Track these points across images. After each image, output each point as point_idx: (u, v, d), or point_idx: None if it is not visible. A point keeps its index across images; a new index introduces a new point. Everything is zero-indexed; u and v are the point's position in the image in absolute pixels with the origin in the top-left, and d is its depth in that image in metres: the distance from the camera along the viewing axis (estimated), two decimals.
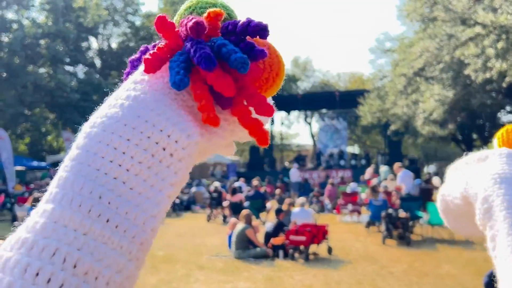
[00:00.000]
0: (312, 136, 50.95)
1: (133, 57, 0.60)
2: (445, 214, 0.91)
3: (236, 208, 14.66)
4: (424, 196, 13.53)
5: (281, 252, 9.63)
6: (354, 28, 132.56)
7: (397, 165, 15.56)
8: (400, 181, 14.72)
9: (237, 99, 0.52)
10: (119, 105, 0.49)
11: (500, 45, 17.40)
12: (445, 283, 7.59)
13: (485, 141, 33.63)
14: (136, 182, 0.45)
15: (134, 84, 0.52)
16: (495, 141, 0.89)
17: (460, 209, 0.83)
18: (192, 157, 0.50)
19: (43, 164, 27.31)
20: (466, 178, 0.79)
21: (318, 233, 9.77)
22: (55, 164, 0.75)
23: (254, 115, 0.53)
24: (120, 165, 0.45)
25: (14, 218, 13.81)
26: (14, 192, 19.48)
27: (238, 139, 0.59)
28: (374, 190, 13.57)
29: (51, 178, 1.37)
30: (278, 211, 11.04)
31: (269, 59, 0.53)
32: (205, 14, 0.52)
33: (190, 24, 0.51)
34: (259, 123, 0.52)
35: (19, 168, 24.09)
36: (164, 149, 0.47)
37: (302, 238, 9.52)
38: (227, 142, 0.58)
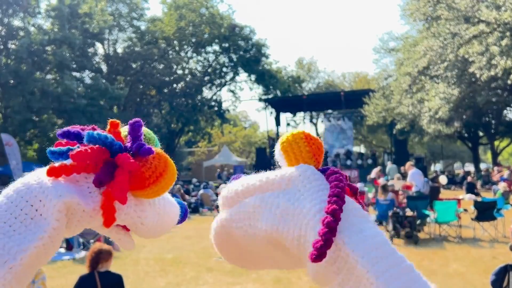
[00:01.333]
0: (318, 136, 50.86)
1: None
2: (224, 244, 0.76)
3: None
4: (431, 195, 13.57)
5: None
6: (358, 28, 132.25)
7: (409, 163, 15.60)
8: (410, 179, 14.71)
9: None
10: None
11: (504, 42, 17.40)
12: (453, 282, 7.62)
13: (492, 138, 33.57)
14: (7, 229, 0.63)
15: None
16: (281, 155, 0.73)
17: (256, 242, 0.71)
18: (59, 212, 0.66)
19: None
20: (273, 212, 0.67)
21: None
22: None
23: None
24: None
25: None
26: None
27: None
28: (385, 189, 13.59)
29: None
30: None
31: (156, 161, 0.69)
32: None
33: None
34: (111, 205, 0.67)
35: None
36: (36, 210, 0.66)
37: None
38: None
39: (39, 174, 0.72)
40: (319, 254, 0.58)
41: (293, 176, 0.68)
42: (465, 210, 11.88)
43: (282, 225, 0.65)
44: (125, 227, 0.72)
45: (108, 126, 0.74)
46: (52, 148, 0.76)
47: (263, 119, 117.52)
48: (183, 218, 0.81)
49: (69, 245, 11.34)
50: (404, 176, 17.42)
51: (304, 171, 0.68)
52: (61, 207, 0.65)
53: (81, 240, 11.05)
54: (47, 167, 0.71)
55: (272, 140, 35.90)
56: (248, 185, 0.72)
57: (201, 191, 21.60)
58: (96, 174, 0.67)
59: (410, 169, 15.01)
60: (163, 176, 0.68)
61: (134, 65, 36.59)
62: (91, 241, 10.98)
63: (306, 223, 0.62)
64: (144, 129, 0.74)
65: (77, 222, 0.67)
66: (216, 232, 0.76)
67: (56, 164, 0.71)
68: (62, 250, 11.39)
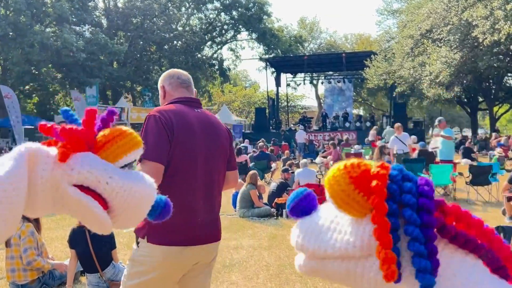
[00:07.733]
0: (318, 98, 50.83)
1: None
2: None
3: (241, 169, 14.88)
4: (427, 158, 13.63)
5: (284, 211, 9.84)
6: None
7: (397, 125, 14.25)
8: (390, 144, 13.91)
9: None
10: None
11: (509, 6, 17.17)
12: None
13: (491, 104, 33.53)
14: None
15: None
16: (340, 211, 0.83)
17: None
18: (20, 156, 0.79)
19: (51, 123, 27.51)
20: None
21: (321, 193, 9.83)
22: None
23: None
24: None
25: None
26: None
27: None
28: (382, 151, 13.61)
29: None
30: (285, 171, 11.27)
31: (114, 129, 0.86)
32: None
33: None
34: (65, 147, 0.84)
35: (27, 126, 24.28)
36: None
37: None
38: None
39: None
40: None
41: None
42: (460, 174, 12.01)
43: None
44: (101, 202, 0.81)
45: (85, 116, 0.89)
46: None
47: (263, 79, 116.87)
48: (160, 212, 0.90)
49: None
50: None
51: None
52: (22, 151, 0.77)
53: None
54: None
55: (272, 100, 35.81)
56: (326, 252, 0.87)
57: None
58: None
59: (400, 131, 13.94)
60: (115, 140, 0.83)
61: (134, 20, 36.11)
62: None
63: None
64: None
65: (43, 171, 0.78)
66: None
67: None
68: None
